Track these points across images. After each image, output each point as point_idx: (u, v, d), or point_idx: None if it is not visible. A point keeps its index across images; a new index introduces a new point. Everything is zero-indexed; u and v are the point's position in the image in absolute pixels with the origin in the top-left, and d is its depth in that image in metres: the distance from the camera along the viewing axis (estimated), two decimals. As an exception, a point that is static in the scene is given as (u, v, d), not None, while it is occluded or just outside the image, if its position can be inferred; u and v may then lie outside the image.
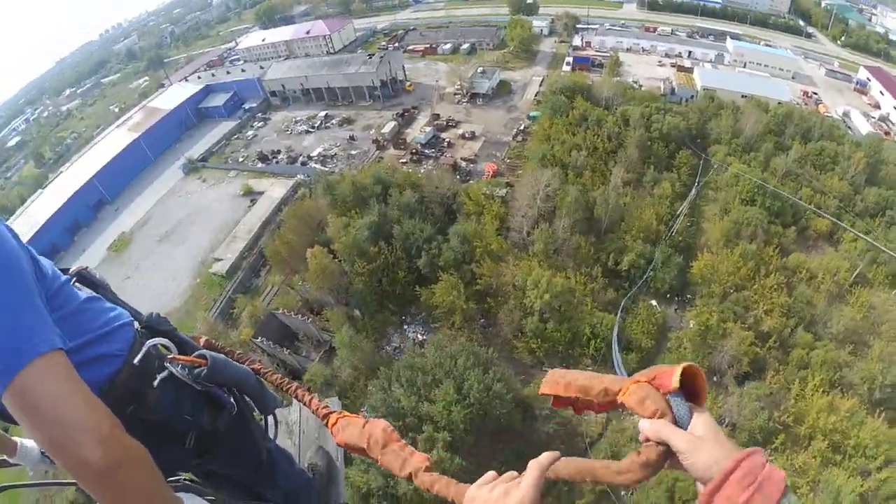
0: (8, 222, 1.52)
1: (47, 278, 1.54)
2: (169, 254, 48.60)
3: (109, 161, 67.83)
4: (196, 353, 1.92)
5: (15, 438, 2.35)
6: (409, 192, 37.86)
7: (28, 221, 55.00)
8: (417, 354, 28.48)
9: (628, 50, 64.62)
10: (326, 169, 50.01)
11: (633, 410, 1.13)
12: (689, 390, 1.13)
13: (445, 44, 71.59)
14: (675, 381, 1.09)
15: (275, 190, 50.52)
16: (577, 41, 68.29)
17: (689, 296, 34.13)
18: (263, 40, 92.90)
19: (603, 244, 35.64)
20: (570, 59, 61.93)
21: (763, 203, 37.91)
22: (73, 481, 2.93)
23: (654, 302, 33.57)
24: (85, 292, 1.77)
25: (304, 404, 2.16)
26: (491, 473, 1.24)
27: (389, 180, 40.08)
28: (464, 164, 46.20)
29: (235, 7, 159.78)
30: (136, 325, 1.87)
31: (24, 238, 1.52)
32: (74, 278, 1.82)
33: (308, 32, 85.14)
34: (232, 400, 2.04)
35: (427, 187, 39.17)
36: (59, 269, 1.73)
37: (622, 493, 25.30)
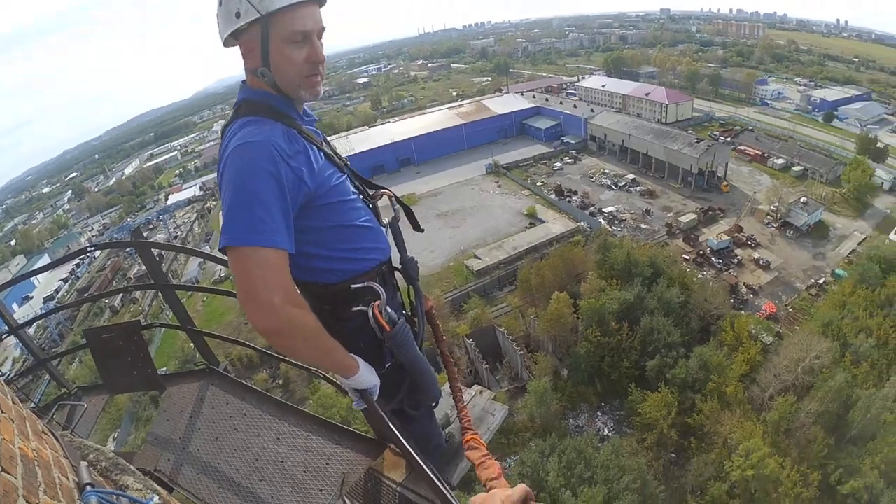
0: (330, 138, 2.17)
1: (318, 197, 1.93)
2: (440, 229, 53.68)
3: (432, 131, 77.43)
4: (390, 319, 2.14)
5: None
6: (677, 290, 36.37)
7: (345, 146, 66.65)
8: (593, 445, 26.91)
9: (973, 248, 52.02)
10: (610, 229, 50.50)
11: None
12: None
13: (778, 158, 66.07)
14: None
15: (555, 225, 52.61)
16: (918, 212, 57.23)
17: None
18: (603, 86, 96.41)
19: (839, 452, 29.30)
20: (904, 231, 52.31)
21: None
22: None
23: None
24: (363, 217, 2.17)
25: (458, 409, 2.50)
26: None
27: (664, 269, 38.98)
28: (744, 290, 42.81)
29: (589, 47, 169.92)
30: (386, 260, 2.28)
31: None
32: (371, 200, 2.30)
33: (647, 95, 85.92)
34: (388, 365, 2.30)
35: (696, 295, 37.32)
36: (369, 189, 2.31)
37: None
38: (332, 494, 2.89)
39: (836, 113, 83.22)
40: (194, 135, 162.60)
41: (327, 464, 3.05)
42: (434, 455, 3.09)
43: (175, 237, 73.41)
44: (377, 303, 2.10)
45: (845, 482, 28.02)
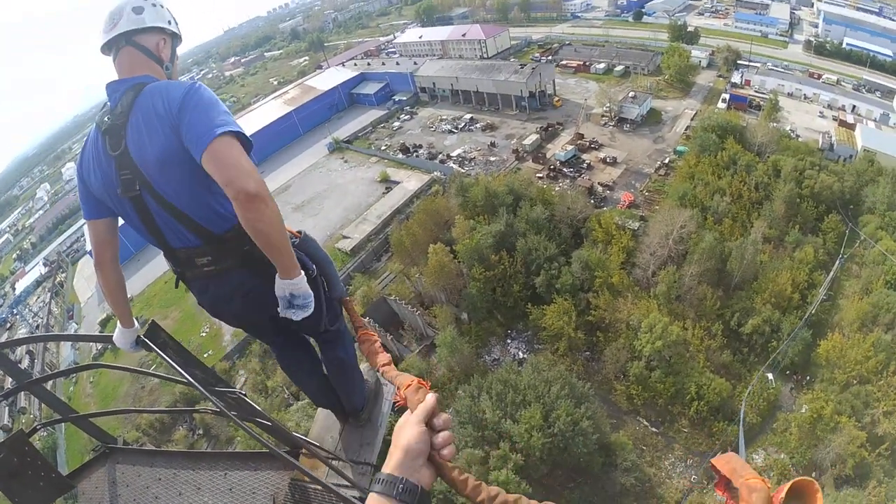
0: None
1: None
2: (301, 222, 51.09)
3: (262, 128, 73.26)
4: (298, 230, 2.79)
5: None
6: (541, 207, 37.38)
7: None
8: (514, 371, 27.83)
9: (789, 95, 58.17)
10: (463, 170, 50.77)
11: None
12: None
13: (599, 63, 70.16)
14: (783, 493, 1.15)
15: (410, 182, 52.05)
16: (735, 78, 62.60)
17: (808, 377, 29.81)
18: (420, 37, 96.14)
19: (730, 300, 32.66)
20: (727, 97, 57.13)
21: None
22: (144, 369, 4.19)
23: (770, 375, 29.89)
24: None
25: (349, 311, 3.07)
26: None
27: (523, 192, 39.84)
28: (600, 189, 44.82)
29: (397, 2, 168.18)
30: None
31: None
32: None
33: (464, 35, 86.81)
34: (314, 266, 2.74)
35: (559, 206, 38.50)
36: None
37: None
38: (269, 519, 2.79)
39: (643, 10, 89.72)
40: (19, 209, 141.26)
41: (254, 493, 3.04)
42: (350, 380, 3.54)
43: (38, 326, 64.93)
44: None
45: (745, 323, 31.12)
